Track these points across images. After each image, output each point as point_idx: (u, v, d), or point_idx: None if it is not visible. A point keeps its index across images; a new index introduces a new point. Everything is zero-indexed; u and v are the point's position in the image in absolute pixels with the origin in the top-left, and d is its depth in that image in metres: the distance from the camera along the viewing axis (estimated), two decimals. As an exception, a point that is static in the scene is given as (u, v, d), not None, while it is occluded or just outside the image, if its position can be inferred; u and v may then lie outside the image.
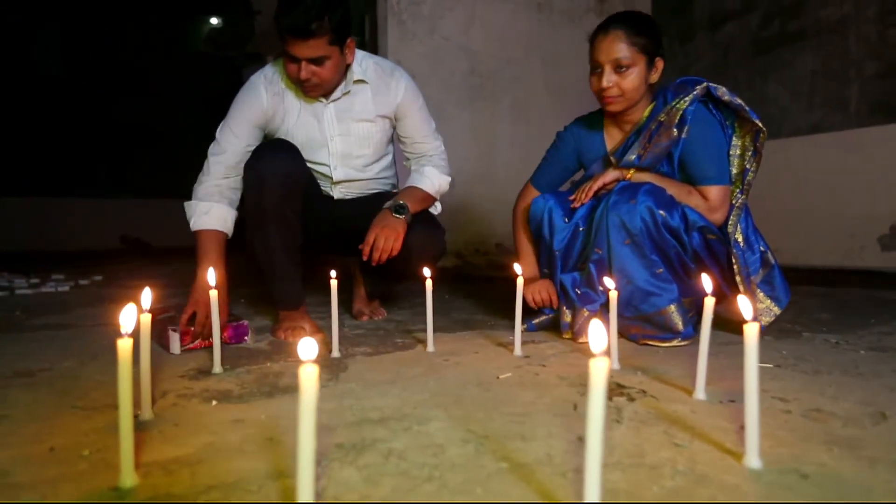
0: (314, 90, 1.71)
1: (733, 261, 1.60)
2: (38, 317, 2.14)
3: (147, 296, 1.04)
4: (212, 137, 1.75)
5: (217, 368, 1.32)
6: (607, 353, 0.64)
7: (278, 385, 1.23)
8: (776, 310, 1.66)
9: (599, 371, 0.61)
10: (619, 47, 1.61)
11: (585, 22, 4.74)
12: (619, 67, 1.62)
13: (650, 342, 1.58)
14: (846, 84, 4.27)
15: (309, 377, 0.62)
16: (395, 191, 2.06)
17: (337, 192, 1.93)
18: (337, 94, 1.79)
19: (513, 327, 1.84)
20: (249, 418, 1.02)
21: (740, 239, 1.64)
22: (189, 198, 1.70)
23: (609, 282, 1.36)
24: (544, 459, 0.83)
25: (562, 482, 0.76)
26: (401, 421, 0.99)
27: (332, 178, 1.89)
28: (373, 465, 0.81)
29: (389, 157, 2.03)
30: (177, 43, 9.99)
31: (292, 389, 1.19)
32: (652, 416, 1.00)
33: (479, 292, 2.73)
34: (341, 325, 1.93)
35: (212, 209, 1.68)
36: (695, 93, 1.64)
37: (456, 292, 2.75)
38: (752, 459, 0.79)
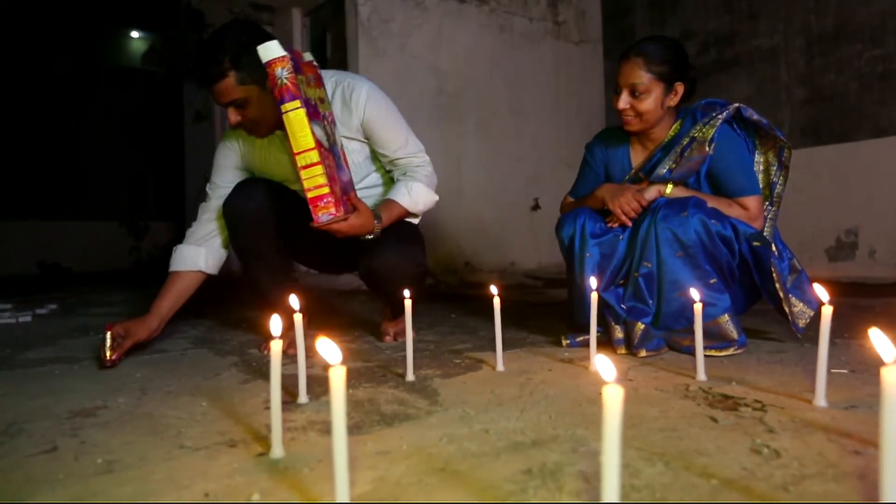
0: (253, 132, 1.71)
1: (772, 269, 1.67)
2: (25, 351, 1.92)
3: (277, 324, 0.95)
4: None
5: (303, 398, 1.22)
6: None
7: (383, 412, 1.15)
8: (810, 312, 1.73)
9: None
10: (637, 73, 1.71)
11: (543, 44, 4.87)
12: (634, 92, 1.72)
13: (707, 352, 1.60)
14: (779, 108, 4.61)
15: (613, 399, 0.58)
16: None
17: None
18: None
19: (553, 343, 1.84)
20: (392, 449, 0.95)
21: (774, 249, 1.72)
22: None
23: (694, 293, 1.38)
24: (745, 474, 0.81)
25: (787, 496, 0.75)
26: (557, 443, 0.95)
27: None
28: (585, 490, 0.77)
29: (376, 174, 1.96)
30: (101, 57, 9.38)
31: (402, 416, 1.13)
32: (798, 425, 1.01)
33: (476, 310, 2.70)
34: (372, 348, 1.85)
35: (180, 251, 1.81)
36: (727, 111, 1.73)
37: (452, 311, 2.70)
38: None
